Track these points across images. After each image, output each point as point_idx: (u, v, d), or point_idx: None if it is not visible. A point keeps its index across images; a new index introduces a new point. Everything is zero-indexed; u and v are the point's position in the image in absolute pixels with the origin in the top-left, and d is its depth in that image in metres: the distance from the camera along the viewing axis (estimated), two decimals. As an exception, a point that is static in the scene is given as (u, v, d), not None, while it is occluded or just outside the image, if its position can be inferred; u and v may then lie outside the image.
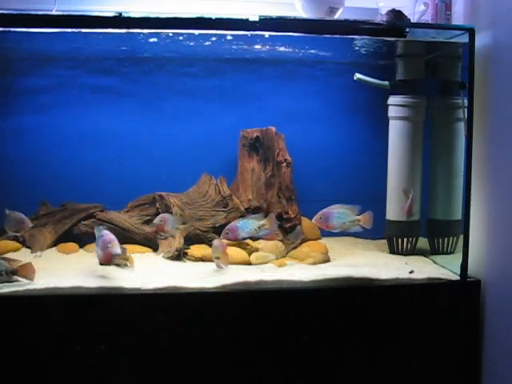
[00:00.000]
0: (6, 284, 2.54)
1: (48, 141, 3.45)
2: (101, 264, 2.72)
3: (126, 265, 2.73)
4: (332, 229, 2.85)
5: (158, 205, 3.26)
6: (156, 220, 2.98)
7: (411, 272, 2.80)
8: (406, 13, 3.00)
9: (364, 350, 2.66)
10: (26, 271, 2.59)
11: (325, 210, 2.86)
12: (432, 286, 2.74)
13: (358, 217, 2.86)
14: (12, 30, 2.54)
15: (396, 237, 3.23)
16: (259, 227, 2.87)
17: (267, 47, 3.17)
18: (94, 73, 3.43)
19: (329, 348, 2.64)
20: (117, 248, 2.62)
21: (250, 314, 2.61)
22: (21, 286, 2.54)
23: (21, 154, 3.42)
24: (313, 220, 2.88)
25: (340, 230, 2.87)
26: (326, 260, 3.06)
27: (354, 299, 2.67)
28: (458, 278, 2.75)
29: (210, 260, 2.98)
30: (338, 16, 2.92)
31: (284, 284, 2.68)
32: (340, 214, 2.84)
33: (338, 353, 2.65)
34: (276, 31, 2.71)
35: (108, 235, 2.68)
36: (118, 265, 2.74)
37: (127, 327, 2.53)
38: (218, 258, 2.80)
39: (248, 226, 2.87)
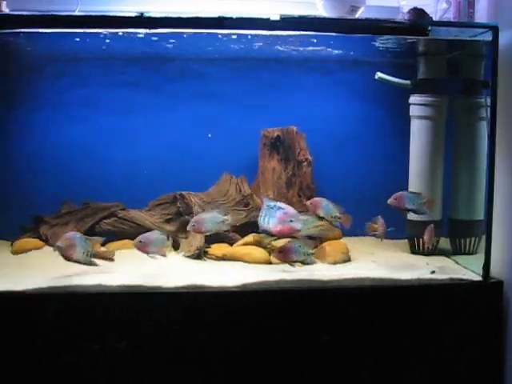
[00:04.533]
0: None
1: (71, 139, 3.47)
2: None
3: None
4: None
5: (179, 204, 3.27)
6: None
7: (433, 272, 2.79)
8: (427, 11, 2.98)
9: (384, 352, 2.64)
10: (108, 254, 2.73)
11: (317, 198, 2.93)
12: (454, 286, 2.71)
13: (340, 214, 2.87)
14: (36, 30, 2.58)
15: (417, 237, 3.21)
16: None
17: (288, 46, 3.17)
18: (116, 71, 3.46)
19: (348, 349, 2.63)
20: None
21: (269, 313, 2.60)
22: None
23: (43, 153, 3.45)
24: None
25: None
26: (347, 260, 3.05)
27: (374, 300, 2.65)
28: (480, 278, 2.73)
29: (230, 259, 3.01)
30: (359, 15, 2.90)
31: (304, 284, 2.68)
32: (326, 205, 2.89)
33: (357, 354, 2.64)
34: (297, 30, 2.71)
35: None
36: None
37: (145, 325, 2.55)
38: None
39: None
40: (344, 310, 2.63)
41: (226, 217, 2.81)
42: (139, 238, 2.74)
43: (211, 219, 2.78)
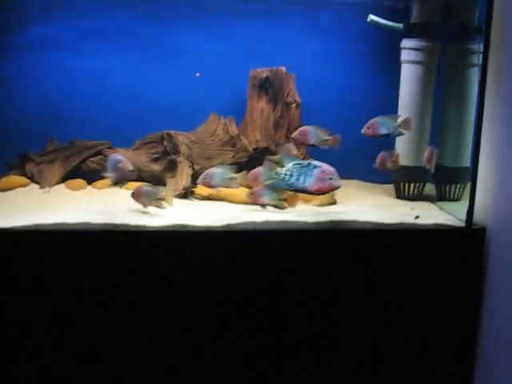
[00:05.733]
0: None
1: (57, 78, 3.42)
2: (114, 184, 2.80)
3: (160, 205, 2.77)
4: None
5: (165, 143, 3.25)
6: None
7: (417, 217, 2.81)
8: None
9: (366, 295, 2.67)
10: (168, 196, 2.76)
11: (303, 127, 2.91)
12: (437, 231, 2.73)
13: (328, 137, 2.87)
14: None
15: (403, 182, 3.23)
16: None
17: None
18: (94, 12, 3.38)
19: (329, 292, 2.66)
20: (129, 165, 2.73)
21: (254, 253, 2.62)
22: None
23: (29, 91, 3.41)
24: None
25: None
26: (333, 202, 3.07)
27: (358, 243, 2.67)
28: (464, 224, 2.76)
29: (216, 199, 3.03)
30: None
31: (289, 225, 2.70)
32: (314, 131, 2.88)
33: (338, 297, 2.67)
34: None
35: (117, 156, 2.78)
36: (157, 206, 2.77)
37: (131, 264, 2.56)
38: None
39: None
40: (327, 253, 2.64)
41: (235, 175, 2.82)
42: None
43: (221, 174, 2.80)
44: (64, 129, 3.38)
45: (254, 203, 2.84)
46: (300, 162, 2.63)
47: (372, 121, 2.85)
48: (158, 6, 3.38)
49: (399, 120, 2.88)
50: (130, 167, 2.73)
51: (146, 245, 2.55)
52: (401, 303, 2.70)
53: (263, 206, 2.84)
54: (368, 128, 2.85)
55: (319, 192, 2.64)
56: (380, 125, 2.85)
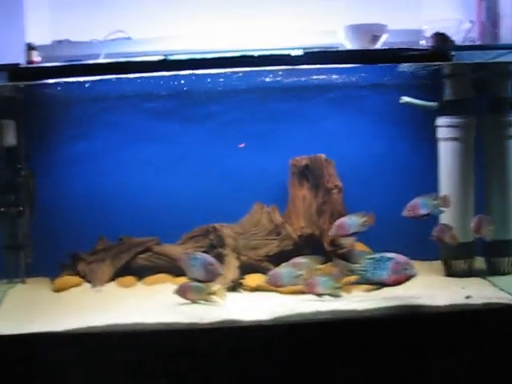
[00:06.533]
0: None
1: (101, 175, 3.56)
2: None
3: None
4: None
5: (211, 236, 3.31)
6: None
7: (468, 297, 2.76)
8: (451, 32, 2.97)
9: (418, 379, 2.62)
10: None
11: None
12: (490, 311, 2.68)
13: (364, 218, 2.91)
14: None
15: (452, 258, 3.19)
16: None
17: (313, 76, 3.20)
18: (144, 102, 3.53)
19: (382, 378, 2.62)
20: (219, 269, 2.85)
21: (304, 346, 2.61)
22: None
23: (78, 190, 3.54)
24: None
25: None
26: (381, 285, 3.04)
27: (408, 328, 2.64)
28: (520, 301, 2.69)
29: (265, 290, 3.03)
30: (381, 42, 2.91)
31: (337, 314, 2.67)
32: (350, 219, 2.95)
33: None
34: (320, 64, 2.74)
35: (208, 258, 2.85)
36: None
37: (186, 363, 2.57)
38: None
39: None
40: (378, 341, 2.62)
41: (300, 272, 2.84)
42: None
43: (287, 274, 2.83)
44: (110, 225, 3.48)
45: (309, 293, 2.82)
46: (372, 256, 2.68)
47: (412, 202, 2.90)
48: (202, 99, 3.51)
49: (438, 198, 2.91)
50: (220, 271, 2.83)
51: (203, 342, 2.58)
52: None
53: (319, 295, 2.82)
54: (409, 210, 2.89)
55: (396, 283, 2.67)
56: (420, 205, 2.89)
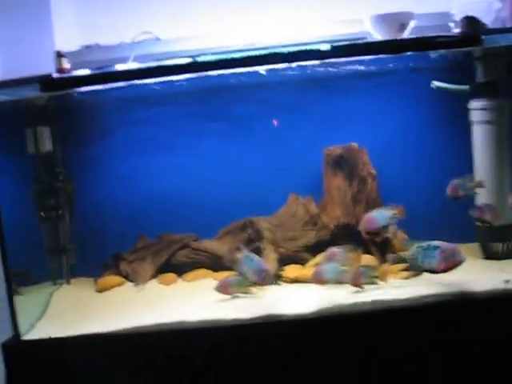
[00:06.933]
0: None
1: (138, 174, 3.61)
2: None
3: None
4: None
5: (248, 230, 3.34)
6: None
7: (507, 281, 2.76)
8: (481, 13, 2.92)
9: (456, 367, 2.63)
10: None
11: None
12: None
13: (394, 211, 2.91)
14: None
15: (490, 240, 3.18)
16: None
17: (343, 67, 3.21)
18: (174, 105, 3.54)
19: (420, 366, 2.64)
20: (272, 278, 2.87)
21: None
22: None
23: (118, 189, 3.60)
24: None
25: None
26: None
27: (446, 315, 2.67)
28: None
29: (304, 281, 3.06)
30: (410, 29, 2.87)
31: (383, 304, 2.71)
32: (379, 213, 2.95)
33: (429, 371, 2.65)
34: (348, 57, 2.73)
35: (263, 264, 2.84)
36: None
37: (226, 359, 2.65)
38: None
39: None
40: (416, 329, 2.65)
41: (344, 267, 2.85)
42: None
43: (332, 269, 2.85)
44: (149, 223, 3.53)
45: (353, 285, 2.85)
46: (420, 244, 2.71)
47: (451, 184, 2.96)
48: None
49: (473, 181, 3.00)
50: (272, 280, 2.86)
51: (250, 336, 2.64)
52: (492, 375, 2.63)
53: (361, 286, 2.85)
54: (449, 191, 2.96)
55: (446, 270, 2.70)
56: (459, 186, 2.95)
